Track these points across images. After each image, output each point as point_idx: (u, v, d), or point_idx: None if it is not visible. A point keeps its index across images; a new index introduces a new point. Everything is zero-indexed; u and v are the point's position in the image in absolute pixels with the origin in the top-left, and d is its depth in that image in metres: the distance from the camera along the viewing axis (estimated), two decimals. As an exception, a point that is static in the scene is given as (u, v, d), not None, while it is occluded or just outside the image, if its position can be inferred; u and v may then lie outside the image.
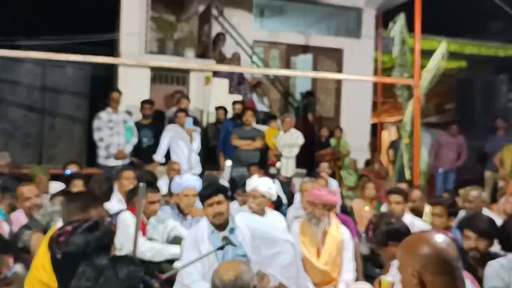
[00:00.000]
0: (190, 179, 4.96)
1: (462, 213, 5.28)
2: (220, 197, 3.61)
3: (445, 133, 9.87)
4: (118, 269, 1.63)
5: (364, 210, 6.22)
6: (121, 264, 1.64)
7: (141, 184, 2.94)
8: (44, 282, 2.62)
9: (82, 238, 2.14)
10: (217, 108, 8.71)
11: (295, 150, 8.22)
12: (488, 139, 9.87)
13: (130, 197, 4.70)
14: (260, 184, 4.65)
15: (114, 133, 7.50)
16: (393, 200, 5.14)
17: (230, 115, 8.72)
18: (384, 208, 5.58)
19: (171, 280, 3.68)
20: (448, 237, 1.96)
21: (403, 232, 3.38)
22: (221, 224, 3.61)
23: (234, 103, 8.65)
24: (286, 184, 7.88)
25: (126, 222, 4.16)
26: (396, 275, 3.32)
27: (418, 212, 5.21)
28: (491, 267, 3.22)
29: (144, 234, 4.26)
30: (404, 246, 2.01)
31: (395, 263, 3.46)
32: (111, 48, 10.14)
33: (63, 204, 3.48)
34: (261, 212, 4.62)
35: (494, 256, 3.63)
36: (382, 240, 3.37)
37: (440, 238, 1.90)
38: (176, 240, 4.34)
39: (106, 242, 2.24)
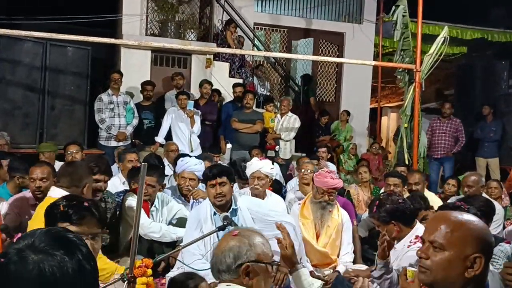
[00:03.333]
0: (190, 162, 4.94)
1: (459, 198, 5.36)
2: (224, 179, 3.64)
3: (437, 118, 9.23)
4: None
5: (361, 194, 6.29)
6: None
7: (143, 164, 2.95)
8: None
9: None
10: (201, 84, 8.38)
11: (293, 134, 8.27)
12: (478, 125, 9.73)
13: (131, 177, 4.75)
14: (264, 165, 4.70)
15: (115, 115, 7.53)
16: (392, 182, 5.22)
17: (228, 98, 8.74)
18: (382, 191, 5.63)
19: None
20: None
21: (408, 214, 3.42)
22: (223, 205, 3.64)
23: (235, 85, 8.64)
24: (284, 167, 7.92)
25: (131, 204, 4.21)
26: (393, 253, 3.37)
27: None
28: (502, 247, 3.29)
29: (148, 217, 4.30)
30: (463, 226, 1.75)
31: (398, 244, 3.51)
32: (112, 30, 10.08)
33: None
34: (262, 195, 4.66)
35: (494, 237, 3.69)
36: (386, 217, 3.39)
37: (479, 220, 1.80)
38: (181, 222, 4.37)
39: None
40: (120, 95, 7.66)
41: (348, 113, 10.12)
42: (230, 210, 3.65)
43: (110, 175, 3.99)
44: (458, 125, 8.97)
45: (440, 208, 3.72)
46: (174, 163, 5.74)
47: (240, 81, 9.24)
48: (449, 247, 1.71)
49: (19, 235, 1.36)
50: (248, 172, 4.76)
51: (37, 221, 3.10)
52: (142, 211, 4.02)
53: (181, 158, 5.07)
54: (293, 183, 6.34)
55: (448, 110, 8.99)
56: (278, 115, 8.32)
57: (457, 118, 9.18)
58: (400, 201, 3.47)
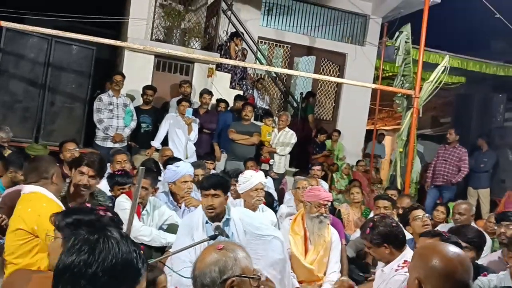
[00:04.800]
0: (187, 166, 5.01)
1: (448, 226, 5.40)
2: (218, 191, 3.63)
3: (443, 145, 8.86)
4: (113, 241, 1.44)
5: (351, 214, 6.33)
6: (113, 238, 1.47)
7: (141, 167, 2.97)
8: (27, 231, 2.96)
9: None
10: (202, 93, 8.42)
11: (288, 149, 8.32)
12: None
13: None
14: (262, 177, 4.77)
15: (113, 116, 7.54)
16: (382, 205, 5.27)
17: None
18: (372, 214, 5.66)
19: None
20: (463, 254, 1.87)
21: (399, 238, 3.43)
22: (213, 217, 3.65)
23: (236, 98, 8.71)
24: (277, 181, 7.96)
25: (122, 206, 4.22)
26: (381, 276, 3.41)
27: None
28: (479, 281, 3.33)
29: (139, 220, 4.32)
30: (418, 250, 1.94)
31: (380, 265, 3.55)
32: (118, 32, 10.16)
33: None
34: (255, 207, 4.69)
35: (479, 267, 3.72)
36: (378, 240, 3.37)
37: (454, 254, 1.81)
38: (171, 228, 4.39)
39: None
40: (120, 96, 7.68)
41: (339, 133, 10.20)
42: (223, 220, 3.68)
43: (98, 171, 3.80)
44: (462, 154, 8.51)
45: (421, 235, 3.74)
46: (164, 167, 5.75)
47: (241, 92, 9.30)
48: (409, 271, 1.93)
49: None
50: (248, 185, 4.64)
51: (16, 218, 3.11)
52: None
53: (174, 165, 5.03)
54: (288, 198, 6.39)
55: (451, 136, 8.52)
56: (276, 129, 8.38)
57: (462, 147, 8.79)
58: (393, 224, 3.44)
